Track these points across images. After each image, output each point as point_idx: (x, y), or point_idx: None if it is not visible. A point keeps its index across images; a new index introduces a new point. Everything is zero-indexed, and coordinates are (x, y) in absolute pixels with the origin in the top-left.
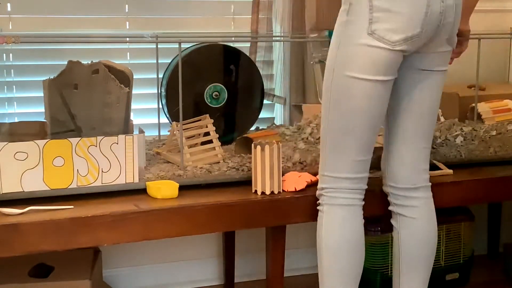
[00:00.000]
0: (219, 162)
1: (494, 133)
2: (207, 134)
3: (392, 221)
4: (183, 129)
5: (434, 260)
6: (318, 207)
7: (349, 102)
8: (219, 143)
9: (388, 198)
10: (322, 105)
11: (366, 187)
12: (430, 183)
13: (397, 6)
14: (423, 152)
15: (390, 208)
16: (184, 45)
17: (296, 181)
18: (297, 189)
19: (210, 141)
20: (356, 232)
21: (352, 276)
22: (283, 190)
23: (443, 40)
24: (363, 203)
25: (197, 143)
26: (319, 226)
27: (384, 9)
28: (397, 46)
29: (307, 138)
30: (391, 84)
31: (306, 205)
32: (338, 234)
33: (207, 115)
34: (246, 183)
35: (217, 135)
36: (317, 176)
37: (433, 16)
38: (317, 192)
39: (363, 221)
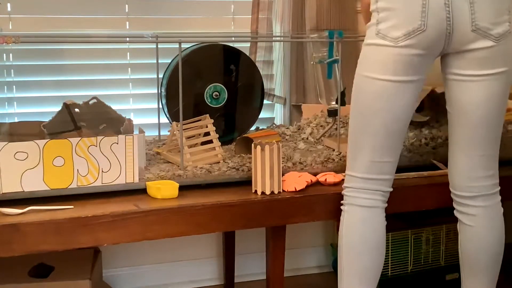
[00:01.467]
0: (219, 162)
1: None
2: (207, 134)
3: (458, 226)
4: (183, 129)
5: (434, 260)
6: (341, 207)
7: (363, 101)
8: (219, 143)
9: (453, 204)
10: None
11: (391, 189)
12: (498, 188)
13: (395, 3)
14: (481, 160)
15: (454, 212)
16: (184, 45)
17: (296, 181)
18: (297, 189)
19: (210, 141)
20: (376, 233)
21: (371, 276)
22: (283, 190)
23: (468, 33)
24: (386, 205)
25: (197, 143)
26: (341, 225)
27: (386, 8)
28: (400, 41)
29: (307, 138)
30: (407, 85)
31: (306, 205)
32: (357, 234)
33: (207, 115)
34: (246, 183)
35: (217, 135)
36: (317, 176)
37: (435, 8)
38: (343, 192)
39: (385, 222)
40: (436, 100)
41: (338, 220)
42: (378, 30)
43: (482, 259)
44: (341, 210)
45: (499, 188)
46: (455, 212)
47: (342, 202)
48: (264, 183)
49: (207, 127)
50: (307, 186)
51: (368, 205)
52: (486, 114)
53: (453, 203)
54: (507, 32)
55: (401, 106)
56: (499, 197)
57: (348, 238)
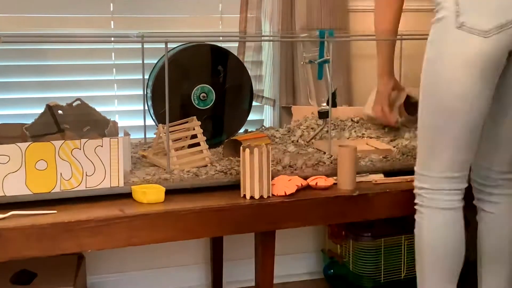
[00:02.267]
0: (206, 166)
1: None
2: (194, 137)
3: (477, 218)
4: (170, 132)
5: None
6: (416, 206)
7: (442, 103)
8: (207, 146)
9: (473, 192)
10: (419, 103)
11: (466, 185)
12: None
13: None
14: (510, 156)
15: (474, 202)
16: (170, 45)
17: (286, 185)
18: (287, 193)
19: (198, 144)
20: (459, 234)
21: (455, 275)
22: (272, 195)
23: None
24: (463, 203)
25: (184, 146)
26: (420, 228)
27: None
28: (491, 35)
29: (297, 141)
30: (492, 81)
31: (296, 210)
32: (441, 238)
33: (194, 117)
34: (234, 187)
35: (205, 138)
36: (308, 180)
37: None
38: (415, 191)
39: (463, 222)
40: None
41: (330, 225)
42: (461, 23)
43: (505, 247)
44: (329, 215)
45: None
46: (476, 201)
47: (417, 202)
48: (253, 187)
49: (194, 129)
50: (297, 190)
51: (449, 207)
52: None
53: (476, 193)
54: None
55: (485, 103)
56: None
57: (431, 243)
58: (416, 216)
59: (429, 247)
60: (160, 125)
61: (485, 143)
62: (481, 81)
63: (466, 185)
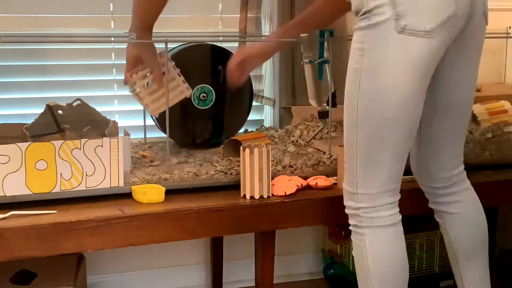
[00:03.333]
0: (187, 98)
1: (490, 135)
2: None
3: (436, 218)
4: (141, 78)
5: (428, 267)
6: (354, 229)
7: (384, 114)
8: (183, 78)
9: (426, 196)
10: (346, 118)
11: (399, 196)
12: (465, 171)
13: None
14: (459, 149)
15: (430, 205)
16: (170, 45)
17: (286, 185)
18: (287, 193)
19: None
20: (403, 251)
21: None
22: (272, 195)
23: (480, 14)
24: (400, 217)
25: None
26: (361, 250)
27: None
28: (435, 33)
29: (297, 141)
30: (427, 82)
31: (296, 210)
32: (386, 258)
33: (163, 51)
34: (234, 187)
35: (178, 70)
36: (308, 180)
37: None
38: (349, 211)
39: (403, 235)
40: None
41: (330, 225)
42: (403, 26)
43: (477, 242)
44: (329, 215)
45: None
46: (433, 205)
47: (355, 223)
48: (253, 187)
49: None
50: (297, 190)
51: (391, 223)
52: (471, 94)
53: (431, 197)
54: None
55: (421, 108)
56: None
57: (376, 265)
58: (354, 239)
59: (375, 269)
60: (127, 74)
61: (426, 145)
62: (421, 84)
63: (399, 196)
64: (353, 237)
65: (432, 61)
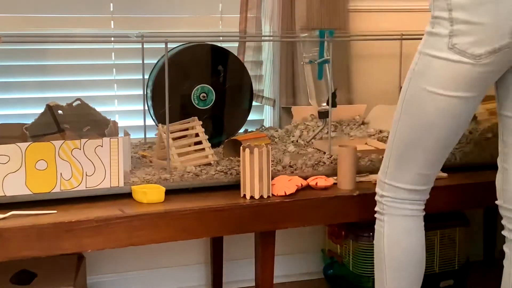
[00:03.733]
0: (211, 164)
1: (490, 135)
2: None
3: (505, 248)
4: (171, 133)
5: (428, 267)
6: (376, 215)
7: (422, 116)
8: (209, 144)
9: (502, 222)
10: (395, 113)
11: (428, 196)
12: None
13: (478, 17)
14: None
15: (504, 233)
16: (170, 45)
17: (286, 185)
18: (287, 193)
19: (200, 143)
20: (421, 243)
21: (418, 284)
22: (272, 195)
23: None
24: (424, 213)
25: (186, 145)
26: (379, 236)
27: (465, 21)
28: (482, 59)
29: (297, 141)
30: (474, 100)
31: (296, 210)
32: (403, 246)
33: (196, 117)
34: (234, 187)
35: (206, 137)
36: (308, 180)
37: None
38: (376, 197)
39: (423, 229)
40: None
41: (330, 225)
42: (453, 44)
43: None
44: (329, 215)
45: None
46: (507, 233)
47: (378, 210)
48: (253, 187)
49: (194, 129)
50: (297, 190)
51: (412, 215)
52: None
53: (506, 222)
54: None
55: (464, 121)
56: None
57: (393, 250)
58: (376, 225)
59: (390, 256)
60: (160, 125)
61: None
62: (466, 98)
63: (428, 196)
64: (375, 225)
65: (479, 83)
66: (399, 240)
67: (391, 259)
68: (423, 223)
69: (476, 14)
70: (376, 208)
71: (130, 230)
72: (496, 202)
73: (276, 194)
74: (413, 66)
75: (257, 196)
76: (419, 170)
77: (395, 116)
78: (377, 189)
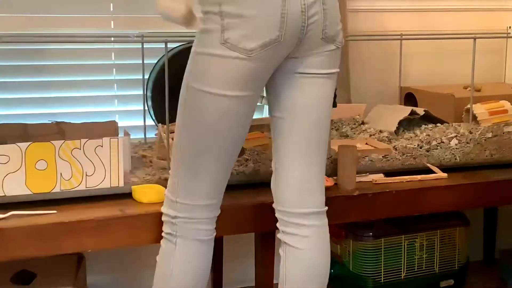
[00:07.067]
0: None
1: (490, 135)
2: None
3: (280, 251)
4: (171, 133)
5: (428, 267)
6: (166, 236)
7: (203, 120)
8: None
9: (277, 225)
10: (176, 123)
11: (219, 212)
12: (326, 207)
13: (248, 9)
14: (313, 169)
15: (278, 235)
16: (170, 45)
17: None
18: None
19: None
20: (208, 264)
21: None
22: None
23: (317, 40)
24: (215, 233)
25: None
26: (167, 259)
27: (236, 14)
28: (254, 53)
29: None
30: (253, 100)
31: None
32: (194, 272)
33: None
34: (234, 187)
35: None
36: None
37: (293, 17)
38: (165, 219)
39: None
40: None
41: (330, 226)
42: (226, 39)
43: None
44: (329, 215)
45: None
46: (280, 235)
47: (169, 232)
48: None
49: None
50: None
51: (206, 238)
52: (322, 115)
53: (278, 224)
54: (342, 39)
55: (247, 123)
56: (326, 218)
57: (182, 275)
58: (163, 244)
59: (180, 280)
60: (160, 125)
61: (281, 161)
62: (244, 97)
63: (219, 211)
64: (162, 242)
65: (255, 77)
66: (191, 266)
67: (179, 283)
68: (213, 243)
69: (246, 7)
70: (166, 229)
71: (130, 230)
72: (273, 205)
73: None
74: (189, 68)
75: None
76: (211, 180)
77: (177, 126)
78: (166, 210)
